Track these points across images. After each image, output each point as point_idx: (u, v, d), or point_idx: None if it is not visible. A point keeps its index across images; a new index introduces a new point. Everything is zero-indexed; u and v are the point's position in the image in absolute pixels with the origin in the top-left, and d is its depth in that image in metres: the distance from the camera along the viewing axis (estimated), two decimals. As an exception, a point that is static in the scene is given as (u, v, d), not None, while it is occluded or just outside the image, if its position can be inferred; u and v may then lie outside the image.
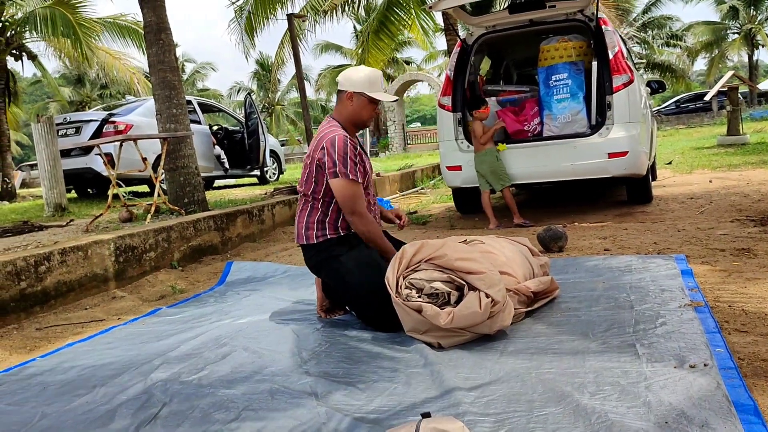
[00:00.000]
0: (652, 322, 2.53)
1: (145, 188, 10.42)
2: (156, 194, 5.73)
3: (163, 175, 6.25)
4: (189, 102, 10.59)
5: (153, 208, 5.65)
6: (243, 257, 5.29)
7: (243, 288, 4.08)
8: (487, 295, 2.43)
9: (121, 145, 6.01)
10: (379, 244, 3.01)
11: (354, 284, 2.89)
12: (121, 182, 7.58)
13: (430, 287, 2.52)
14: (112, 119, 9.03)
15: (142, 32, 6.37)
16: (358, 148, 3.04)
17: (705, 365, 2.05)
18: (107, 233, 4.72)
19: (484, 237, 3.21)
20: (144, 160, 6.04)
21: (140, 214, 6.03)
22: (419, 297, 2.53)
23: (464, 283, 2.53)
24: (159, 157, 6.23)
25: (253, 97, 39.08)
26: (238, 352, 2.67)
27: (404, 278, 2.61)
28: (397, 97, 3.33)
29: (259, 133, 11.33)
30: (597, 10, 5.60)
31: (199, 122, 10.73)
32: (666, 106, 33.17)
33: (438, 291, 2.52)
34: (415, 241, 2.74)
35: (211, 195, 9.15)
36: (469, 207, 6.67)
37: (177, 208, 5.91)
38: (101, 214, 5.79)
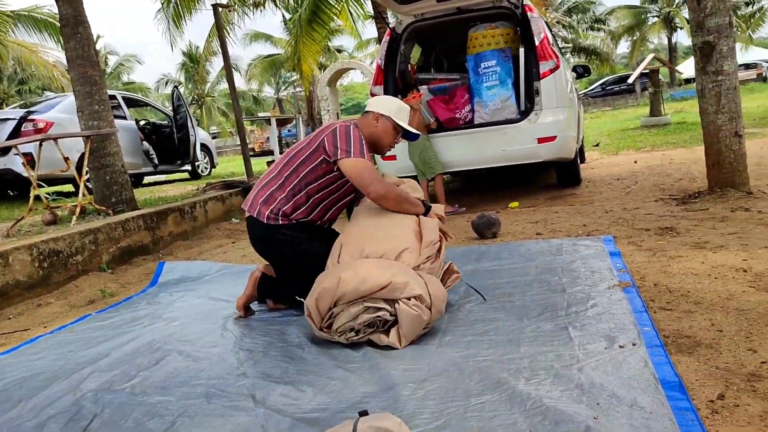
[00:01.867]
0: (584, 304, 2.60)
1: (70, 188, 10.00)
2: (81, 195, 5.50)
3: (88, 175, 6.01)
4: (113, 97, 10.23)
5: (78, 210, 5.43)
6: (176, 256, 5.15)
7: (176, 289, 3.97)
8: (408, 299, 2.39)
9: (40, 145, 5.74)
10: (406, 199, 2.96)
11: (307, 260, 2.90)
12: (43, 183, 7.25)
13: (359, 324, 2.42)
14: (31, 117, 8.61)
15: (59, 25, 6.07)
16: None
17: (633, 344, 2.12)
18: (30, 237, 4.51)
19: (360, 216, 3.06)
20: (66, 159, 5.78)
21: (65, 216, 5.78)
22: (359, 334, 2.44)
23: (383, 301, 2.42)
24: (83, 155, 5.99)
25: (182, 89, 37.92)
26: (172, 357, 2.60)
27: (329, 330, 2.49)
28: (418, 133, 3.34)
29: (188, 127, 11.05)
30: (522, -3, 5.69)
31: (124, 117, 10.38)
32: (592, 89, 34.17)
33: (369, 321, 2.42)
34: (310, 292, 2.53)
35: (140, 192, 8.88)
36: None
37: (104, 208, 5.69)
38: (23, 218, 5.52)
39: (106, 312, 3.64)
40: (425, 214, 3.00)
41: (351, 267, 2.51)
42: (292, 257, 2.99)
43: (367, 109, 3.21)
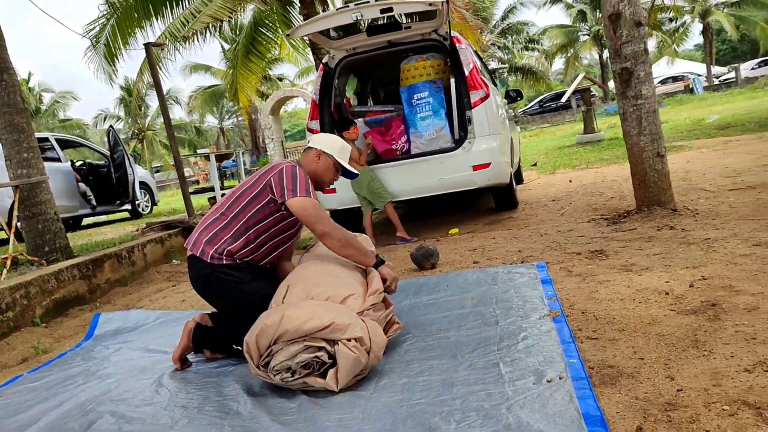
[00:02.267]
0: (515, 338, 2.66)
1: (2, 235, 9.66)
2: (11, 246, 5.34)
3: (19, 224, 5.83)
4: (45, 139, 10.00)
5: (9, 262, 5.26)
6: (114, 304, 5.03)
7: (112, 341, 3.88)
8: (349, 340, 2.42)
9: (-34, 196, 5.56)
10: (354, 244, 3.00)
11: (242, 300, 2.92)
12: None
13: (296, 364, 2.42)
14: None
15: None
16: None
17: (560, 378, 2.18)
18: (-45, 297, 4.34)
19: (308, 261, 3.11)
20: (-6, 210, 5.62)
21: (-5, 268, 5.59)
22: (294, 374, 2.43)
23: (323, 341, 2.44)
24: (13, 204, 5.82)
25: (121, 124, 37.05)
26: (105, 419, 2.53)
27: (265, 368, 2.49)
28: (357, 173, 3.39)
29: (126, 166, 10.86)
30: (450, 30, 5.84)
31: (58, 159, 10.14)
32: (531, 107, 35.13)
33: (306, 362, 2.43)
34: (251, 329, 2.54)
35: (78, 236, 8.67)
36: (349, 227, 6.70)
37: (37, 258, 5.53)
38: (-51, 274, 5.32)
39: (38, 371, 3.52)
40: (375, 267, 3.01)
41: (296, 306, 2.55)
42: (233, 297, 2.97)
43: (309, 145, 3.26)
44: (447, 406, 2.13)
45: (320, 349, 2.43)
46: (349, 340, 2.41)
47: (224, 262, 2.94)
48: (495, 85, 7.36)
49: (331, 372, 2.43)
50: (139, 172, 11.90)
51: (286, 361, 2.43)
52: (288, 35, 5.87)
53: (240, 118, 37.79)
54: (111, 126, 11.43)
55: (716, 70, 38.74)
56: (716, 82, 34.70)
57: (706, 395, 1.91)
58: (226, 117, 45.35)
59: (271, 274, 3.21)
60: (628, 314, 2.73)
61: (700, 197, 5.37)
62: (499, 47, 33.09)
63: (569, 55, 37.59)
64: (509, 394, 2.13)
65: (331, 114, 6.14)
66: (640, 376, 2.11)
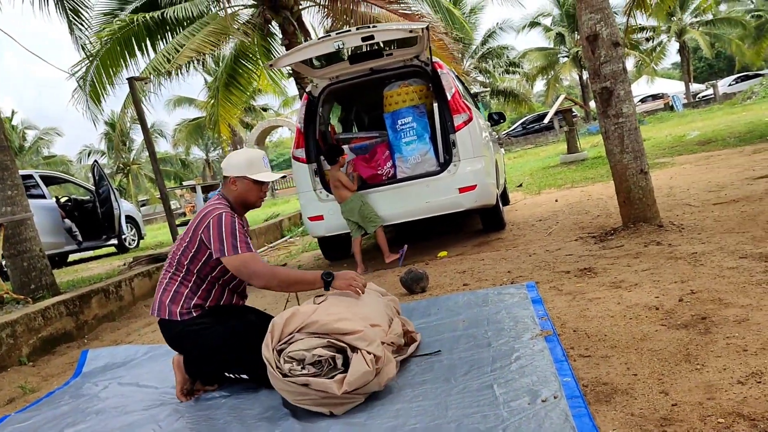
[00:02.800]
0: (508, 358, 2.65)
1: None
2: (-4, 285, 5.28)
3: (4, 262, 5.77)
4: (30, 176, 9.95)
5: (-6, 301, 5.19)
6: (102, 340, 4.97)
7: (101, 378, 3.82)
8: (369, 353, 2.45)
9: (-50, 236, 5.50)
10: (295, 280, 2.98)
11: (220, 342, 2.88)
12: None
13: (312, 356, 2.44)
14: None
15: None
16: (245, 227, 3.05)
17: (555, 397, 2.17)
18: (-61, 338, 4.27)
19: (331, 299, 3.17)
20: (-21, 248, 5.56)
21: (-20, 308, 5.51)
22: (302, 369, 2.45)
23: (345, 345, 2.50)
24: (-3, 243, 5.76)
25: (105, 159, 36.91)
26: (96, 458, 2.49)
27: (280, 353, 2.52)
28: (284, 174, 3.35)
29: (111, 200, 10.81)
30: (431, 56, 5.90)
31: (43, 196, 10.09)
32: (514, 129, 35.45)
33: (322, 357, 2.45)
34: (284, 311, 2.69)
35: (65, 273, 8.58)
36: (336, 253, 6.73)
37: (22, 296, 5.47)
38: (-67, 315, 5.23)
39: (26, 411, 3.45)
40: (328, 283, 2.92)
41: (332, 305, 2.72)
42: (210, 344, 2.93)
43: (224, 173, 3.19)
44: (442, 430, 2.11)
45: (340, 351, 2.48)
46: (369, 353, 2.44)
47: (194, 315, 2.95)
48: (477, 108, 7.43)
49: (338, 377, 2.43)
50: (125, 206, 11.85)
51: (302, 350, 2.46)
52: (271, 65, 5.89)
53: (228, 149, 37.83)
54: (95, 161, 11.42)
55: (694, 87, 39.42)
56: (695, 99, 35.27)
57: (701, 409, 1.91)
58: (212, 149, 45.41)
59: (243, 311, 3.22)
60: (620, 331, 2.73)
61: (685, 212, 5.42)
62: (480, 71, 33.47)
63: (550, 77, 38.11)
64: (504, 415, 2.12)
65: (316, 141, 6.16)
66: (634, 392, 2.11)
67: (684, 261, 3.74)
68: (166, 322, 2.98)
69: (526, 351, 2.70)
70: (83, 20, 8.96)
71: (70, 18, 8.20)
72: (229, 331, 2.91)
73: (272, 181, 3.26)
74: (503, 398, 2.26)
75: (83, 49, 8.63)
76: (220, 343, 2.90)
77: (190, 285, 2.96)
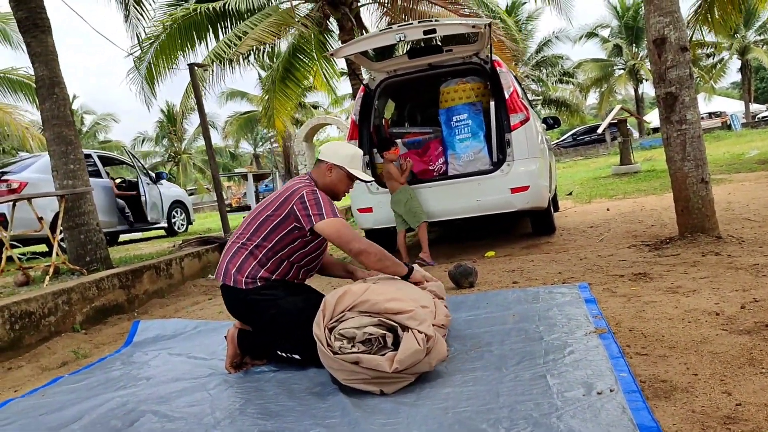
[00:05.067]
0: (561, 352, 2.61)
1: (44, 248, 9.87)
2: (54, 254, 5.45)
3: (63, 234, 5.95)
4: (89, 156, 10.23)
5: (51, 270, 5.36)
6: (151, 315, 5.08)
7: (151, 348, 3.90)
8: (420, 332, 2.44)
9: (14, 205, 5.70)
10: (387, 256, 3.06)
11: (288, 316, 2.89)
12: (17, 243, 7.16)
13: (362, 333, 2.45)
14: (5, 177, 8.58)
15: (35, 87, 6.12)
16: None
17: (611, 391, 2.12)
18: (1, 299, 4.42)
19: (385, 276, 3.21)
20: (40, 219, 5.73)
21: (38, 276, 5.70)
22: (352, 347, 2.46)
23: (395, 324, 2.49)
24: (57, 215, 5.94)
25: (154, 147, 37.60)
26: (147, 417, 2.54)
27: (331, 330, 2.54)
28: (372, 179, 3.47)
29: (139, 187, 11.10)
30: (491, 53, 5.87)
31: (100, 176, 10.36)
32: (564, 139, 34.99)
33: (372, 336, 2.46)
34: (335, 290, 2.71)
35: (116, 251, 8.80)
36: (383, 247, 6.72)
37: (78, 267, 5.62)
38: (-6, 279, 5.44)
39: (79, 374, 3.55)
40: (408, 273, 3.12)
41: (384, 284, 2.78)
42: (273, 314, 2.96)
43: (319, 157, 3.24)
44: (494, 414, 2.09)
45: (390, 329, 2.49)
46: (420, 332, 2.43)
47: (258, 285, 2.97)
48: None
49: (389, 354, 2.43)
50: (174, 191, 12.11)
51: (353, 328, 2.47)
52: (332, 54, 5.94)
53: (275, 145, 38.28)
54: (124, 147, 11.71)
55: (754, 107, 38.24)
56: (755, 119, 34.20)
57: (767, 410, 1.85)
58: (260, 143, 46.05)
59: (305, 289, 3.23)
60: (678, 333, 2.66)
61: (745, 226, 5.26)
62: (533, 79, 33.14)
63: (604, 89, 37.47)
64: (558, 404, 2.09)
65: (370, 135, 6.19)
66: (695, 391, 2.05)
67: (745, 271, 3.62)
68: (229, 288, 3.01)
69: (580, 346, 2.65)
70: (144, 10, 9.18)
71: (131, 7, 8.39)
72: (291, 305, 2.93)
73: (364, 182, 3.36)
74: (557, 388, 2.22)
75: (137, 38, 8.83)
76: (280, 315, 2.92)
77: (258, 258, 2.97)
